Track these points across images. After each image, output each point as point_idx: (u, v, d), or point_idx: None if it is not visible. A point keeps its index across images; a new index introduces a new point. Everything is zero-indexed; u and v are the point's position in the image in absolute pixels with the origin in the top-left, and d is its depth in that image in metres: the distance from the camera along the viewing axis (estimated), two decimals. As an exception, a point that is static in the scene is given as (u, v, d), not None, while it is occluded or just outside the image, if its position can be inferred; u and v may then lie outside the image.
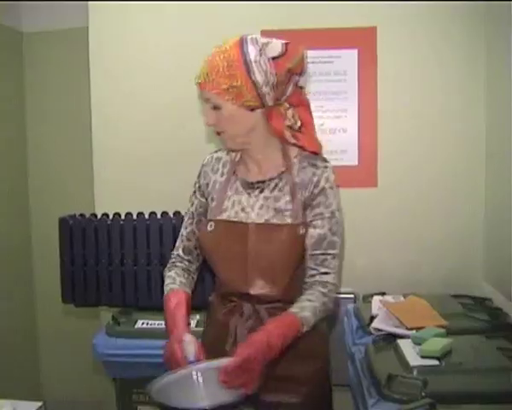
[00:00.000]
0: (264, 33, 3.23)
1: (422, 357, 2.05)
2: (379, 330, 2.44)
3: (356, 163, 3.30)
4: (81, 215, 3.17)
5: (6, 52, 3.88)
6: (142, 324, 2.93)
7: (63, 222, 3.09)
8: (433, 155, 3.26)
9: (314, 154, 1.97)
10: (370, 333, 2.46)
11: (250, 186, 1.98)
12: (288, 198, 1.91)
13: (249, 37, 1.82)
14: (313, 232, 1.88)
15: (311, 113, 1.99)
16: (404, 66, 3.25)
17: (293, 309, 1.81)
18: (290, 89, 1.85)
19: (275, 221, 1.91)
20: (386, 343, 2.31)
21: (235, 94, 1.77)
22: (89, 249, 3.07)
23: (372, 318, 2.55)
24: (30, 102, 4.11)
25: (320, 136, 3.22)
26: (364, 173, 3.30)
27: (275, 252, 1.88)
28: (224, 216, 1.98)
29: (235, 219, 1.97)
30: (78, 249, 3.06)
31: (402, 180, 3.28)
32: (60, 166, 4.08)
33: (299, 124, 1.93)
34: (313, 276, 1.88)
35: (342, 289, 3.26)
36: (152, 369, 2.44)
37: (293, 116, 1.92)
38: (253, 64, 1.76)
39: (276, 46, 1.81)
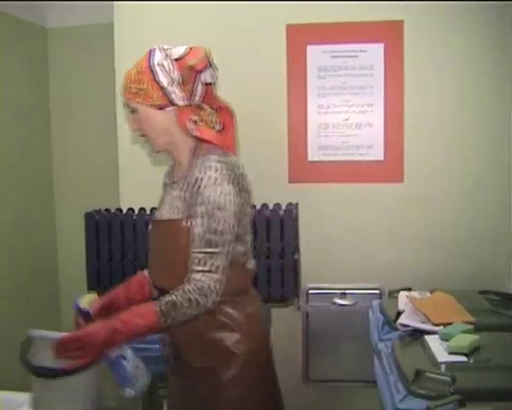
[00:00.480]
0: (290, 28, 3.29)
1: (450, 353, 2.03)
2: (405, 325, 2.41)
3: (381, 158, 3.28)
4: (106, 210, 3.19)
5: (31, 48, 3.90)
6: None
7: (89, 217, 3.10)
8: (460, 151, 3.23)
9: (229, 150, 2.06)
10: (397, 329, 2.44)
11: (170, 186, 2.09)
12: (183, 197, 1.96)
13: (158, 46, 1.99)
14: (193, 230, 1.89)
15: (232, 116, 2.07)
16: (432, 61, 3.23)
17: (156, 301, 1.86)
18: (199, 87, 1.97)
19: (167, 217, 2.00)
20: (412, 339, 2.29)
21: (143, 96, 1.93)
22: (114, 244, 3.08)
23: (398, 313, 2.53)
24: (55, 97, 4.13)
25: (345, 130, 3.30)
26: (390, 169, 3.28)
27: (166, 247, 1.98)
28: (155, 217, 2.13)
29: (154, 219, 2.14)
30: (104, 244, 3.08)
31: (428, 176, 3.26)
32: (85, 161, 4.09)
33: (219, 127, 2.03)
34: (189, 273, 1.88)
35: (367, 285, 3.27)
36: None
37: (214, 119, 2.03)
38: (157, 67, 1.92)
39: (179, 49, 1.97)
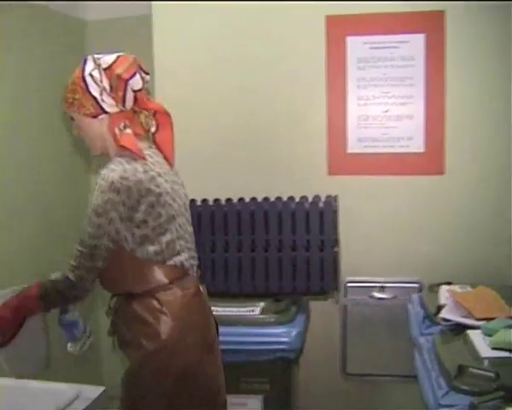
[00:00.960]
0: (330, 19, 3.26)
1: (493, 349, 2.01)
2: (447, 320, 2.39)
3: (422, 150, 3.24)
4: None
5: (70, 40, 3.91)
6: (216, 312, 2.94)
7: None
8: (501, 143, 3.17)
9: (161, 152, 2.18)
10: (438, 323, 2.42)
11: None
12: None
13: (91, 56, 2.09)
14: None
15: (167, 116, 2.17)
16: (474, 52, 3.17)
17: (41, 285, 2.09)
18: (129, 94, 2.05)
19: None
20: (454, 334, 2.27)
21: (77, 105, 2.05)
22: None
23: (439, 308, 2.50)
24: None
25: (385, 122, 3.27)
26: (431, 161, 3.23)
27: None
28: None
29: None
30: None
31: (470, 168, 3.21)
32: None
33: (154, 128, 2.16)
34: None
35: (407, 278, 3.23)
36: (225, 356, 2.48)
37: (150, 122, 2.14)
38: (88, 77, 2.03)
39: (108, 58, 2.06)
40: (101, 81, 2.02)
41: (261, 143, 3.38)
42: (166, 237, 2.06)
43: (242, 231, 3.05)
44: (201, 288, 2.21)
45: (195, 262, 2.23)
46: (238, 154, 3.40)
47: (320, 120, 3.32)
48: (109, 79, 2.02)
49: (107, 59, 2.05)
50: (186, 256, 2.14)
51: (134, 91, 2.05)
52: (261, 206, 3.06)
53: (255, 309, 2.92)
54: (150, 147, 2.14)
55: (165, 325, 2.04)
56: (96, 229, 1.96)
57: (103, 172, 1.97)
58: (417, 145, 3.24)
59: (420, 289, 3.17)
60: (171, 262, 2.08)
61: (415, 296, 2.90)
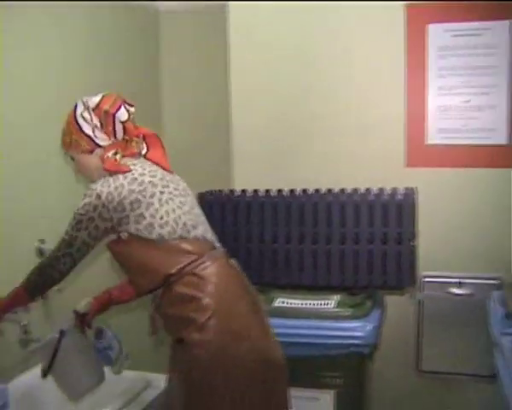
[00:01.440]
0: (410, 7, 3.17)
1: None
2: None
3: (505, 142, 3.12)
4: (219, 191, 3.18)
5: (143, 31, 3.93)
6: (280, 302, 2.92)
7: (202, 198, 3.11)
8: None
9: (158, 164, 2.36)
10: (520, 323, 2.33)
11: None
12: None
13: (81, 99, 2.29)
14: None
15: (156, 138, 2.40)
16: None
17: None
18: (118, 126, 2.28)
19: None
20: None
21: (75, 145, 2.28)
22: (227, 226, 3.09)
23: (521, 306, 2.42)
24: (166, 80, 4.14)
25: (466, 113, 3.16)
26: (515, 153, 3.12)
27: None
28: None
29: None
30: (217, 226, 3.07)
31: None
32: (196, 141, 4.10)
33: (145, 150, 2.36)
34: None
35: (486, 275, 3.13)
36: (289, 349, 2.44)
37: (141, 146, 2.35)
38: (80, 119, 2.26)
39: (95, 99, 2.28)
40: (92, 120, 2.25)
41: (335, 134, 3.33)
42: (170, 217, 2.19)
43: (318, 223, 2.99)
44: (231, 261, 2.31)
45: (216, 238, 2.35)
46: (312, 145, 3.36)
47: (398, 111, 3.24)
48: (98, 116, 2.25)
49: (94, 100, 2.27)
50: (203, 229, 2.28)
51: (122, 123, 2.28)
52: (337, 197, 3.00)
53: (330, 302, 2.88)
54: (144, 162, 2.32)
55: (210, 296, 2.13)
56: (76, 223, 2.18)
57: (93, 185, 2.21)
58: (500, 137, 3.12)
59: (500, 287, 3.06)
60: (191, 236, 2.22)
61: (496, 294, 2.80)
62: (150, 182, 2.21)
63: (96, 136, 2.26)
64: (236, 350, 2.13)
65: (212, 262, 2.19)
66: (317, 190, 3.10)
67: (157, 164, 2.33)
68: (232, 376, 2.12)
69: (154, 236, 2.16)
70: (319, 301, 2.90)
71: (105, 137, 2.28)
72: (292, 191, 3.10)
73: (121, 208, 2.16)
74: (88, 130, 2.26)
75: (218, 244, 2.33)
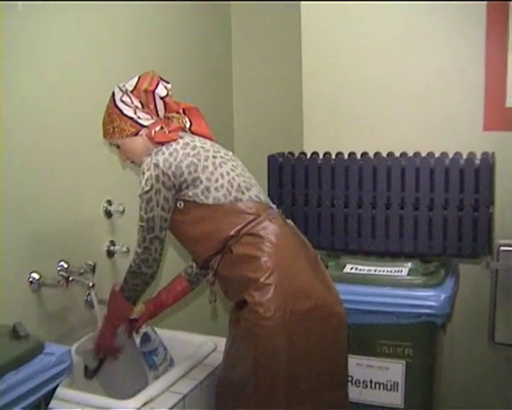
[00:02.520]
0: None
1: None
2: None
3: None
4: (290, 153, 3.12)
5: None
6: (351, 268, 2.85)
7: (272, 160, 3.06)
8: None
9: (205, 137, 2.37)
10: None
11: None
12: None
13: (117, 85, 2.31)
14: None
15: (196, 110, 2.41)
16: None
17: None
18: (159, 102, 2.30)
19: None
20: None
21: (119, 131, 2.28)
22: (298, 189, 3.03)
23: None
24: (236, 39, 4.09)
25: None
26: None
27: None
28: None
29: None
30: (287, 188, 3.02)
31: None
32: (267, 104, 4.04)
33: (188, 124, 2.37)
34: None
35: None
36: (359, 316, 2.38)
37: (182, 120, 2.36)
38: (121, 104, 2.27)
39: (131, 81, 2.30)
40: (132, 102, 2.27)
41: (410, 97, 3.22)
42: (225, 179, 2.22)
43: (391, 188, 2.90)
44: (288, 221, 2.34)
45: (270, 200, 2.37)
46: (389, 108, 3.27)
47: (477, 72, 3.10)
48: (138, 97, 2.28)
49: (131, 82, 2.30)
50: (257, 190, 2.29)
51: (162, 99, 2.29)
52: (412, 162, 2.89)
53: (403, 270, 2.81)
54: (190, 134, 2.35)
55: (269, 255, 2.16)
56: (146, 203, 2.17)
57: (147, 159, 2.21)
58: None
59: None
60: (246, 197, 2.23)
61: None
62: (202, 147, 2.25)
63: (138, 117, 2.28)
64: (299, 308, 2.16)
65: (269, 221, 2.21)
66: (389, 154, 3.01)
67: (203, 136, 2.35)
68: (295, 335, 2.15)
69: (210, 200, 2.19)
70: (391, 269, 2.84)
71: (147, 116, 2.29)
72: (364, 155, 3.01)
73: (179, 173, 2.17)
74: (130, 112, 2.27)
75: (273, 205, 2.34)
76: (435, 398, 2.94)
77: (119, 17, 2.96)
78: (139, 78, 2.31)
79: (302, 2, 3.35)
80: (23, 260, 2.47)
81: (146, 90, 2.26)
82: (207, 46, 3.79)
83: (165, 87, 2.29)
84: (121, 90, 2.29)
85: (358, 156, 3.00)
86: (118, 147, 2.36)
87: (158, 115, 2.32)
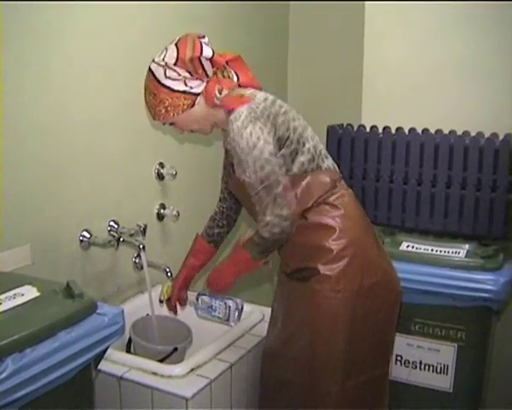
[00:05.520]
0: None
1: None
2: None
3: None
4: (349, 125, 3.04)
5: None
6: (408, 246, 2.78)
7: (332, 131, 2.99)
8: None
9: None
10: None
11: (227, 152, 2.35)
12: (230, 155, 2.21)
13: (151, 65, 2.13)
14: (244, 180, 2.08)
15: (238, 58, 2.23)
16: None
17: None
18: (207, 64, 2.12)
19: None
20: None
21: (172, 109, 2.12)
22: (356, 161, 2.97)
23: None
24: (295, 9, 4.01)
25: None
26: None
27: (243, 199, 2.30)
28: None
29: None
30: (346, 160, 2.95)
31: None
32: (327, 74, 3.97)
33: (235, 77, 2.20)
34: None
35: None
36: (412, 295, 2.31)
37: (228, 74, 2.19)
38: (166, 80, 2.09)
39: (171, 53, 2.10)
40: (179, 74, 2.10)
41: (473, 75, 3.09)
42: (310, 144, 2.14)
43: (453, 166, 2.80)
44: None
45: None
46: (449, 85, 3.12)
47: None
48: (184, 67, 2.09)
49: (170, 55, 2.11)
50: (331, 158, 2.25)
51: (209, 59, 2.11)
52: (461, 141, 2.80)
53: (460, 251, 2.72)
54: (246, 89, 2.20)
55: (345, 226, 2.12)
56: (253, 163, 2.02)
57: (231, 117, 2.07)
58: None
59: None
60: (325, 166, 2.18)
61: None
62: (280, 106, 2.14)
63: (190, 87, 2.12)
64: (365, 283, 2.11)
65: (344, 192, 2.18)
66: (451, 132, 2.91)
67: (252, 87, 2.21)
68: (358, 310, 2.11)
69: (295, 167, 2.11)
70: (448, 249, 2.75)
71: (198, 82, 2.13)
72: (425, 131, 2.92)
73: (275, 131, 2.08)
74: (181, 86, 2.11)
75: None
76: (485, 385, 2.88)
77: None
78: (177, 47, 2.12)
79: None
80: (75, 217, 2.46)
81: (191, 59, 2.09)
82: (265, 12, 3.73)
83: (208, 45, 2.14)
84: (160, 65, 2.12)
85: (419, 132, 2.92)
86: (171, 124, 2.24)
87: (208, 77, 2.16)
